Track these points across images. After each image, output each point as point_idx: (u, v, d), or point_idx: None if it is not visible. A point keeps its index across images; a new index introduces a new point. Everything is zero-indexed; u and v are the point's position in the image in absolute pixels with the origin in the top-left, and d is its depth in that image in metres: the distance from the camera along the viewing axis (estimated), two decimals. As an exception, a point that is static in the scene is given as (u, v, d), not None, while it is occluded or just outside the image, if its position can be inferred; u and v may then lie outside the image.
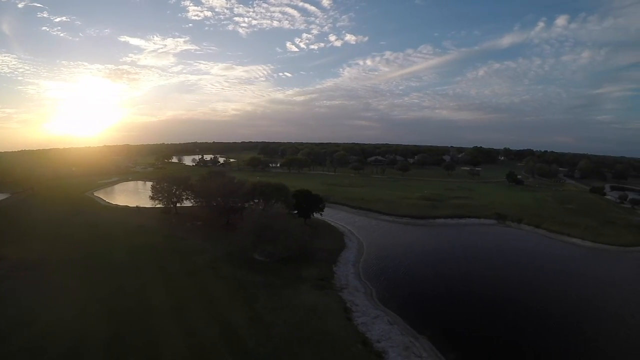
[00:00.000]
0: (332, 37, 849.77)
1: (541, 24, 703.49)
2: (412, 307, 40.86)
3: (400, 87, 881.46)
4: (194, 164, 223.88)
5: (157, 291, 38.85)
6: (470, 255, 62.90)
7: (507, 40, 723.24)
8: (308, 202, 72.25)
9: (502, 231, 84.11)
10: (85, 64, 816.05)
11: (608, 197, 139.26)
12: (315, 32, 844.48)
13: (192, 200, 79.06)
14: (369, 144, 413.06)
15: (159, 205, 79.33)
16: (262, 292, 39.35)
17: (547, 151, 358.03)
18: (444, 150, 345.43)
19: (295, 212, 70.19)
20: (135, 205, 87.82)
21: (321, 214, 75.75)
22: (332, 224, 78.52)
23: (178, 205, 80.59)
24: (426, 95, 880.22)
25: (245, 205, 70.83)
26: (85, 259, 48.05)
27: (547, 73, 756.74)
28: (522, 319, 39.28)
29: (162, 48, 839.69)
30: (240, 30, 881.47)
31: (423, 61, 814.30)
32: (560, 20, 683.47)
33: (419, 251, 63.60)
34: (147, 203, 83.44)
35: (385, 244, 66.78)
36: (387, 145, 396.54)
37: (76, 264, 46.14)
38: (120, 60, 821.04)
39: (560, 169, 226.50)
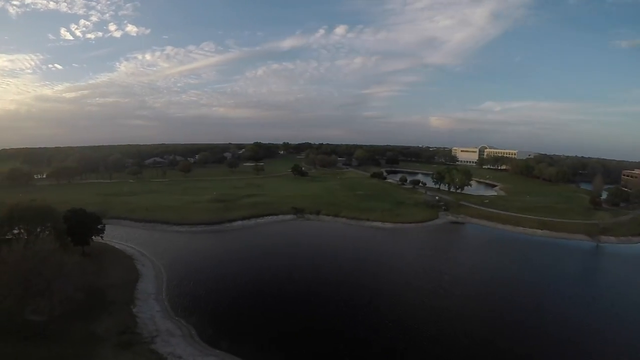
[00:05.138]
0: (112, 27, 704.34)
1: (322, 31, 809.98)
2: (243, 340, 37.98)
3: (179, 84, 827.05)
4: None
5: None
6: (285, 256, 65.84)
7: (288, 43, 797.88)
8: (83, 225, 58.63)
9: (303, 225, 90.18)
10: None
11: (389, 180, 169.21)
12: (94, 19, 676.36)
13: None
14: (147, 144, 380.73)
15: None
16: (44, 373, 29.50)
17: (322, 143, 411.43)
18: (224, 147, 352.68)
19: (70, 238, 55.53)
20: None
21: (102, 237, 63.31)
22: (117, 246, 66.96)
23: None
24: (204, 92, 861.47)
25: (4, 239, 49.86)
26: None
27: (322, 75, 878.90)
28: (365, 322, 42.68)
29: None
30: (11, 9, 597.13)
31: (204, 58, 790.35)
32: (340, 30, 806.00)
33: (226, 263, 61.89)
34: None
35: (186, 262, 61.47)
36: (165, 145, 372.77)
37: None
38: None
39: (338, 158, 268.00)
